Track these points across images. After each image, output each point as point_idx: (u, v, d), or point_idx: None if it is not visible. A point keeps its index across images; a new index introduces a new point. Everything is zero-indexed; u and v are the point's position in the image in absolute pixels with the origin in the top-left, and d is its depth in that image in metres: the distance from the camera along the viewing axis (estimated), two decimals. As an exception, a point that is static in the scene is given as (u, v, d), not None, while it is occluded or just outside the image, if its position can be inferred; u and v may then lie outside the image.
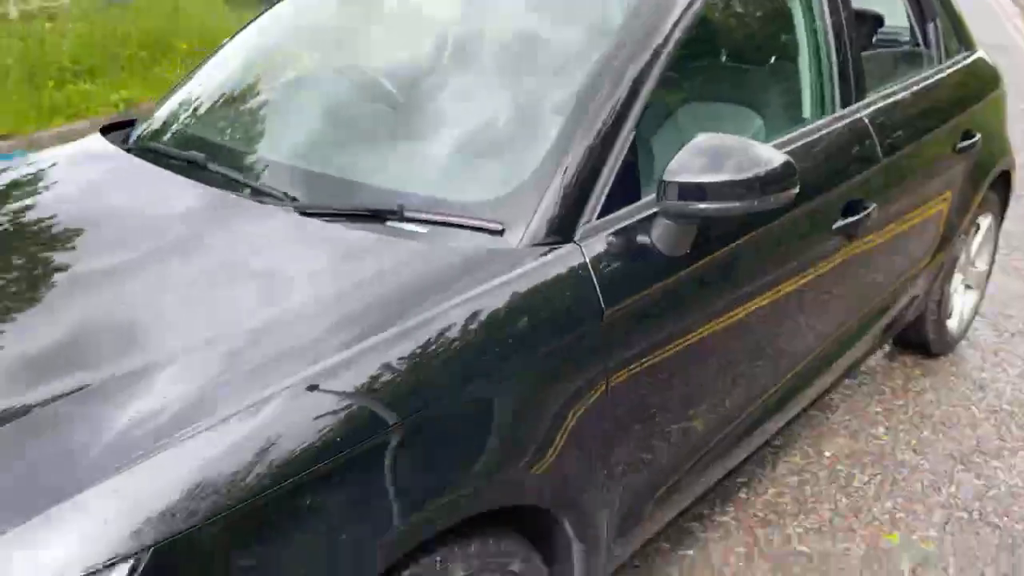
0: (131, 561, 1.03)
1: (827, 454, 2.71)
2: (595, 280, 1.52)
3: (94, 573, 1.01)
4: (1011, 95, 3.59)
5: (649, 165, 1.76)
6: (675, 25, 1.80)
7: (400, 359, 1.31)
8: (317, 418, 1.20)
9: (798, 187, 1.63)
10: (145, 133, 2.15)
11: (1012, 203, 3.74)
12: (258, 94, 2.15)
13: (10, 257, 1.67)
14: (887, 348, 3.31)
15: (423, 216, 1.56)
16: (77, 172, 1.99)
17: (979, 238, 3.31)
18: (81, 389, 1.23)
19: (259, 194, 1.70)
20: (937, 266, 2.95)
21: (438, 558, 1.33)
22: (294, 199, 1.66)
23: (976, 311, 3.47)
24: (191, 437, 1.13)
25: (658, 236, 1.61)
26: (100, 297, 1.48)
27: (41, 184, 1.94)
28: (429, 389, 1.31)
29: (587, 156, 1.59)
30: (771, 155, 1.59)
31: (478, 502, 1.36)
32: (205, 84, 2.26)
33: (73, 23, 8.77)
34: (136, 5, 10.31)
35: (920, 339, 3.22)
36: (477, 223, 1.54)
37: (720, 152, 1.56)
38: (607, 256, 1.56)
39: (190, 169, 1.85)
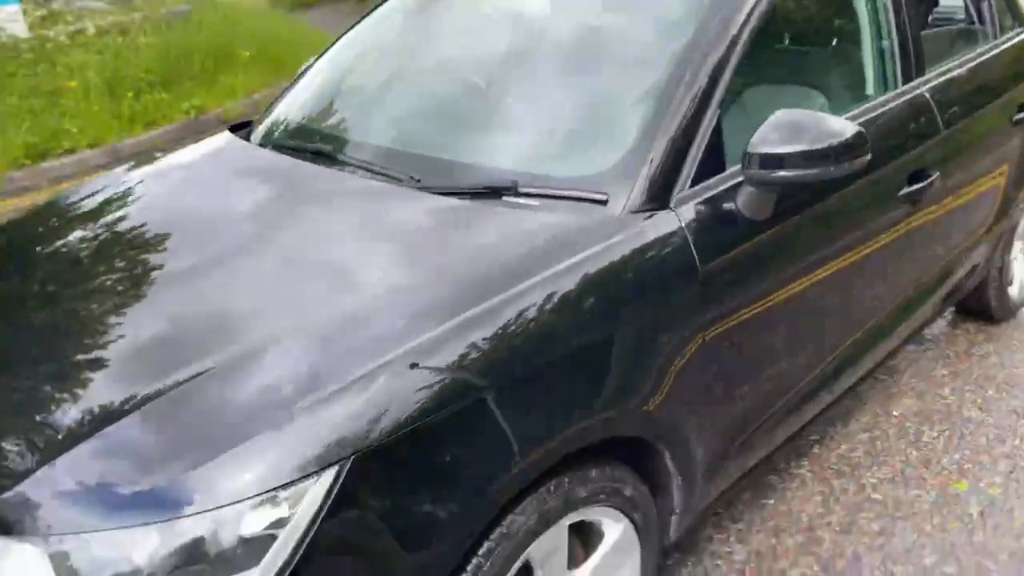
0: (337, 466, 1.28)
1: (895, 413, 2.87)
2: (691, 242, 1.73)
3: (313, 473, 1.26)
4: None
5: (730, 141, 1.95)
6: (749, 15, 1.99)
7: (528, 311, 1.53)
8: (468, 353, 1.43)
9: (869, 155, 1.81)
10: (269, 130, 2.41)
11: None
12: (368, 90, 2.40)
13: (174, 231, 1.93)
14: (950, 316, 3.45)
15: (535, 191, 1.79)
16: (220, 164, 2.26)
17: (1039, 208, 3.41)
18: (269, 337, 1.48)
19: (386, 177, 1.94)
20: (997, 235, 3.08)
21: (566, 479, 1.56)
22: (418, 180, 1.90)
23: (1037, 280, 3.57)
24: (381, 366, 1.37)
25: (743, 202, 1.81)
26: (266, 259, 1.75)
27: (192, 174, 2.22)
28: (551, 337, 1.54)
29: (678, 133, 1.80)
30: (843, 126, 1.78)
31: (599, 431, 1.59)
32: (316, 84, 2.52)
33: (144, 36, 9.19)
34: (197, 18, 10.78)
35: (982, 306, 3.35)
36: (583, 195, 1.76)
37: (797, 126, 1.76)
38: (699, 221, 1.77)
39: (318, 158, 2.11)
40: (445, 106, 2.18)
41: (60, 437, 1.38)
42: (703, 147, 1.82)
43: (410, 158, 2.00)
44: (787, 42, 2.48)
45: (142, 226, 1.97)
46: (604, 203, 1.74)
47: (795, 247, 1.98)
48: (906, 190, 2.30)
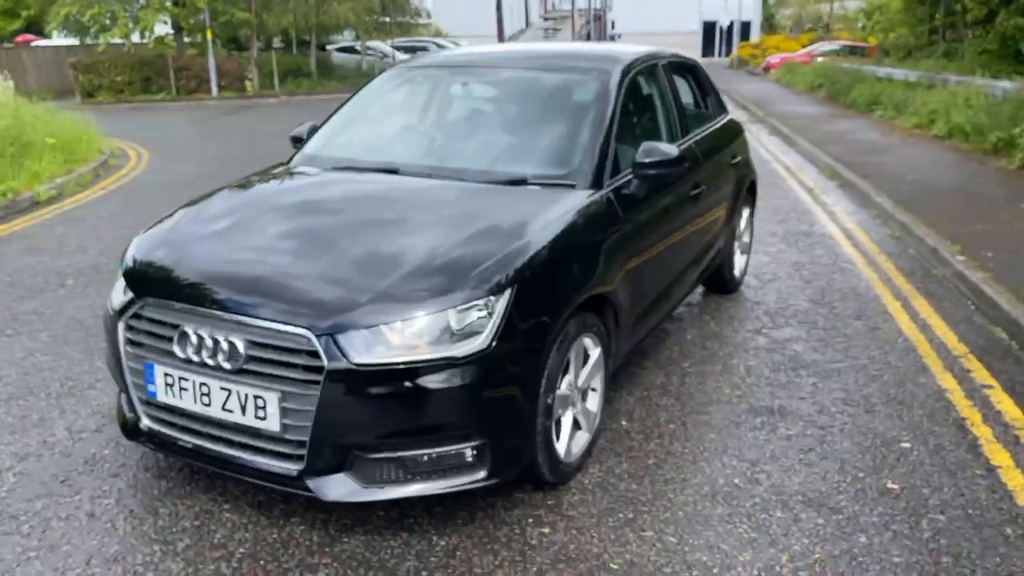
0: (510, 289, 2.79)
1: (688, 338, 4.79)
2: (616, 205, 3.45)
3: (502, 290, 2.77)
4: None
5: (622, 159, 3.71)
6: (616, 97, 3.82)
7: (550, 229, 3.13)
8: (537, 246, 3.00)
9: (687, 164, 3.68)
10: (321, 159, 3.88)
11: (758, 225, 6.27)
12: (410, 131, 4.06)
13: (324, 215, 3.28)
14: (704, 292, 5.52)
15: (538, 181, 3.43)
16: (306, 178, 3.70)
17: (743, 221, 5.63)
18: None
19: (445, 178, 3.48)
20: (727, 233, 5.18)
21: (583, 314, 3.15)
22: (464, 179, 3.45)
23: (746, 269, 5.80)
24: (513, 250, 2.89)
25: (633, 187, 3.59)
26: (382, 224, 3.16)
27: (293, 185, 3.61)
28: (565, 242, 3.15)
29: (601, 155, 3.55)
30: (672, 149, 3.63)
31: (585, 293, 3.18)
32: (347, 126, 4.04)
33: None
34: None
35: (721, 284, 5.45)
36: (562, 183, 3.43)
37: (653, 149, 3.59)
38: (616, 195, 3.51)
39: (382, 172, 3.59)
40: (473, 139, 3.84)
41: (383, 276, 2.79)
42: (612, 161, 3.59)
43: (459, 169, 3.56)
44: (630, 116, 4.36)
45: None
46: (573, 187, 3.43)
47: (655, 210, 3.80)
48: (693, 192, 4.25)
